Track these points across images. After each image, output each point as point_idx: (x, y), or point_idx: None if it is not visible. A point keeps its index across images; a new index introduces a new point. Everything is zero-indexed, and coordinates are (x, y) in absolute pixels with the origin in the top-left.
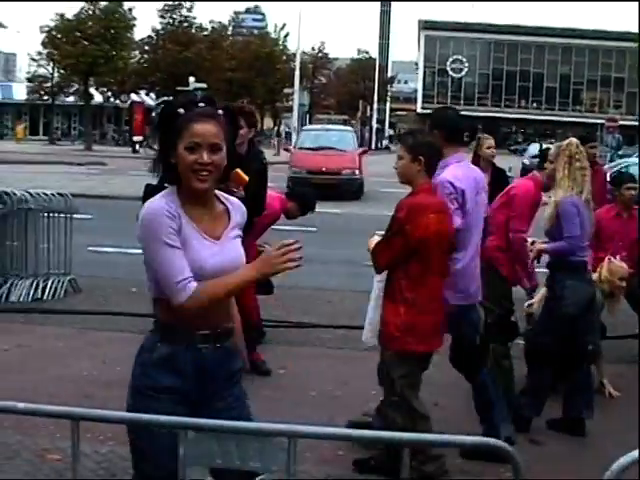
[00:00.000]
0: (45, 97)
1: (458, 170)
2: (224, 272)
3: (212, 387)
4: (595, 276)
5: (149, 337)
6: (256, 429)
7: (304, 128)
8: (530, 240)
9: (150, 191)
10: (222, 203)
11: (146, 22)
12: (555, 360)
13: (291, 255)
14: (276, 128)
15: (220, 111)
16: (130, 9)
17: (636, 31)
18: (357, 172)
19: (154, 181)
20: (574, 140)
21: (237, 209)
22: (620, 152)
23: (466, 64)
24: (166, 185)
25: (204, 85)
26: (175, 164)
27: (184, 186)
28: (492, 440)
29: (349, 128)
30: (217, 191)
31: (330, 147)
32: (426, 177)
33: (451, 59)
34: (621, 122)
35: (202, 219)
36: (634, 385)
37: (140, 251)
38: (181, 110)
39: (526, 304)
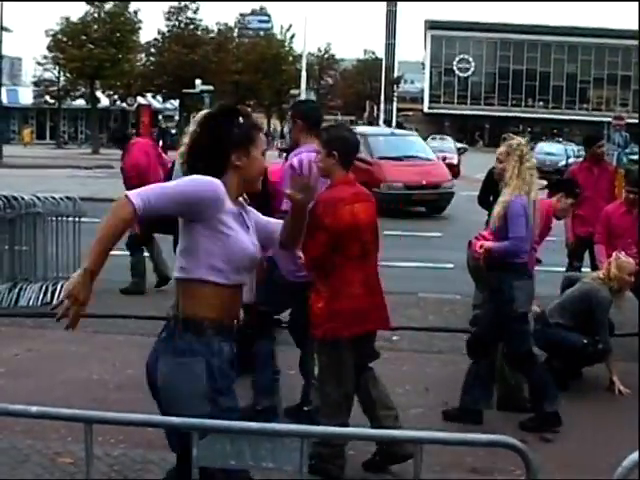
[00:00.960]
0: (51, 101)
1: (304, 156)
2: (245, 260)
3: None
4: (602, 273)
5: (208, 340)
6: (269, 430)
7: (366, 133)
8: (479, 243)
9: None
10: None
11: (152, 25)
12: (493, 352)
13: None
14: (279, 129)
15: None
16: (136, 12)
17: None
18: (452, 184)
19: None
20: (524, 140)
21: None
22: (627, 150)
23: (473, 63)
24: None
25: (211, 87)
26: (237, 165)
27: (232, 184)
28: (506, 438)
29: (414, 132)
30: None
31: (414, 156)
32: (341, 170)
33: (457, 59)
34: (628, 120)
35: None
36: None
37: (147, 254)
38: (241, 119)
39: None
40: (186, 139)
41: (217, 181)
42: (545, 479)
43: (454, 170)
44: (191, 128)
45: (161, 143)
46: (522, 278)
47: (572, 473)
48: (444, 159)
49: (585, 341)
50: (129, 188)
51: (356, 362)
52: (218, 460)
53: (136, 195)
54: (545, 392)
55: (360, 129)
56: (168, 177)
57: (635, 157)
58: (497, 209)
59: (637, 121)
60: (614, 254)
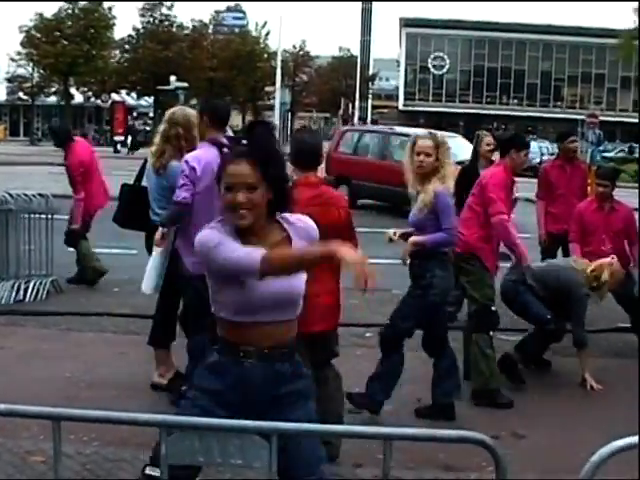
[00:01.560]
0: (25, 97)
1: (200, 151)
2: (275, 301)
3: (257, 404)
4: (591, 271)
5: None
6: (236, 426)
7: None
8: (392, 231)
9: (127, 191)
10: (284, 230)
11: (126, 21)
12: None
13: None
14: None
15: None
16: (110, 8)
17: (616, 27)
18: None
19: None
20: (444, 132)
21: (300, 229)
22: (601, 148)
23: (447, 61)
24: (143, 185)
25: (185, 84)
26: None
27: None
28: (475, 434)
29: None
30: (282, 216)
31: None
32: (297, 172)
33: (432, 56)
34: (601, 118)
35: (257, 244)
36: (617, 378)
37: (119, 251)
38: (225, 150)
39: None
40: (157, 138)
41: (205, 233)
42: (515, 475)
43: None
44: (161, 127)
45: (130, 140)
46: (446, 268)
47: (544, 469)
48: None
49: (549, 316)
50: (75, 186)
51: (312, 359)
52: (186, 457)
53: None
54: (447, 383)
55: (400, 129)
56: (140, 176)
57: (608, 154)
58: (424, 198)
59: (637, 121)
60: (610, 259)
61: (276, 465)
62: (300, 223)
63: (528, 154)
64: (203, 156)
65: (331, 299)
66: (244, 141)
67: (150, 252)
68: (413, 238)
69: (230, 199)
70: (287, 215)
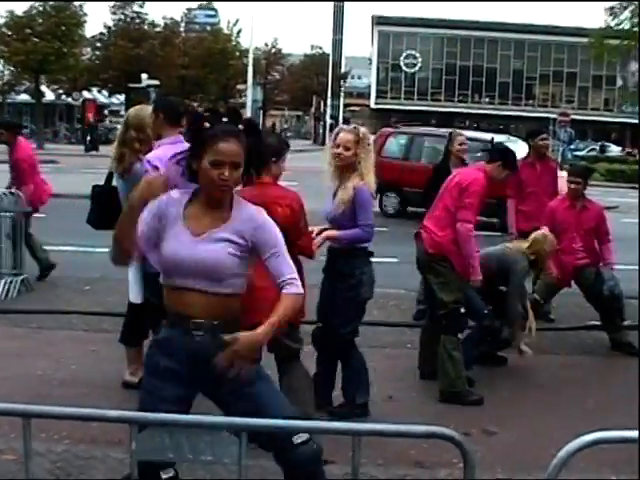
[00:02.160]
0: None
1: (161, 150)
2: (189, 266)
3: (210, 375)
4: (525, 246)
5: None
6: (206, 422)
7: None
8: (317, 229)
9: (98, 192)
10: (231, 209)
11: (98, 19)
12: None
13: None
14: None
15: (241, 126)
16: (81, 5)
17: (588, 27)
18: None
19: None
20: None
21: (244, 218)
22: (572, 146)
23: (419, 59)
24: (113, 185)
25: (157, 82)
26: (195, 170)
27: (202, 189)
28: (443, 429)
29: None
30: (240, 198)
31: None
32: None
33: (404, 54)
34: (573, 116)
35: (198, 217)
36: (586, 375)
37: (90, 249)
38: (206, 124)
39: None
40: (115, 142)
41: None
42: (486, 472)
43: None
44: (134, 133)
45: (88, 139)
46: (369, 264)
47: (514, 465)
48: None
49: (486, 312)
50: (22, 181)
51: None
52: (157, 454)
53: None
54: (359, 382)
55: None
56: (110, 176)
57: (580, 153)
58: (342, 194)
59: (587, 119)
60: (544, 231)
61: (246, 460)
62: (247, 209)
63: (508, 176)
64: (164, 155)
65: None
66: (224, 118)
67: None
68: (328, 232)
69: (218, 174)
70: (240, 199)
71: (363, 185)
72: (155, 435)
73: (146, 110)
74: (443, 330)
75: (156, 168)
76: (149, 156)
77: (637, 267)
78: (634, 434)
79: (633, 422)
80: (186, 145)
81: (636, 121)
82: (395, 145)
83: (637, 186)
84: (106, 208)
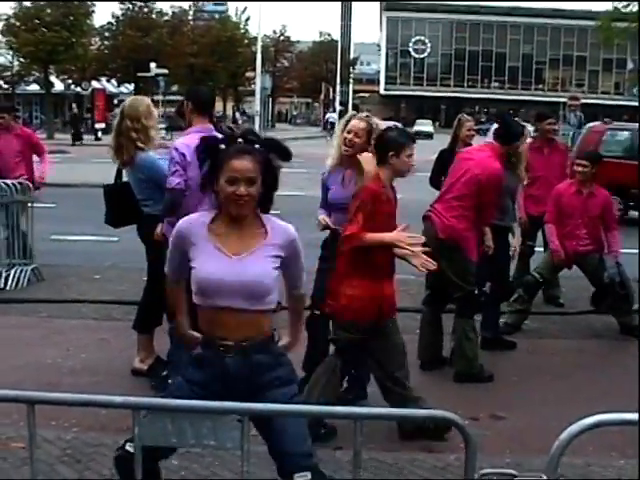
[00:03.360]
0: (5, 86)
1: (189, 137)
2: (229, 285)
3: (240, 394)
4: None
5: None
6: (209, 407)
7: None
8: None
9: (108, 191)
10: (263, 225)
11: (106, 8)
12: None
13: None
14: (231, 114)
15: (257, 145)
16: None
17: (597, 9)
18: None
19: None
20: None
21: (280, 232)
22: (582, 130)
23: (428, 45)
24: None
25: (165, 71)
26: (217, 191)
27: (223, 209)
28: (444, 413)
29: None
30: (265, 216)
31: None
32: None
33: (413, 40)
34: (583, 100)
35: (229, 236)
36: (595, 358)
37: (101, 238)
38: (222, 146)
39: None
40: (134, 134)
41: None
42: (494, 456)
43: None
44: (131, 123)
45: (72, 131)
46: None
47: (522, 449)
48: None
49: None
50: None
51: None
52: (160, 439)
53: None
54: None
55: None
56: (119, 172)
57: None
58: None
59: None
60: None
61: (248, 446)
62: (278, 224)
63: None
64: (192, 142)
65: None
66: (240, 140)
67: (143, 242)
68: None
69: (233, 191)
70: (267, 215)
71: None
72: (158, 420)
73: (141, 100)
74: (459, 313)
75: (183, 155)
76: (176, 143)
77: (637, 252)
78: (634, 416)
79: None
80: (215, 134)
81: None
82: (614, 142)
83: None
84: (120, 205)
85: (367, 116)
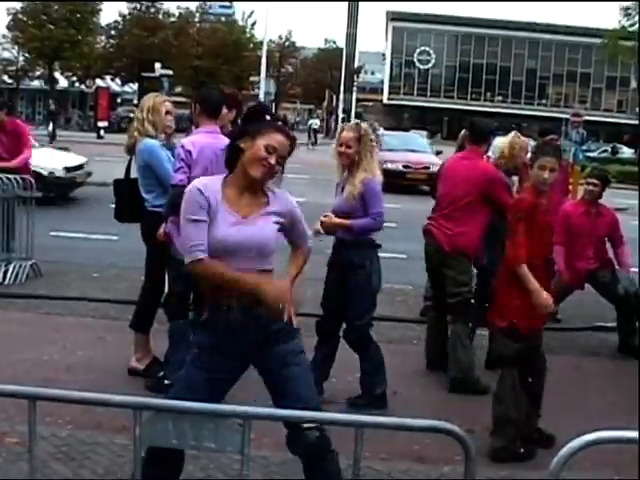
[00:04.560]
0: (9, 81)
1: (196, 136)
2: (242, 245)
3: (250, 347)
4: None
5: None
6: (210, 410)
7: None
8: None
9: (116, 186)
10: (265, 195)
11: (113, 7)
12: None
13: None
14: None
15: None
16: None
17: (602, 27)
18: None
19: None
20: (367, 124)
21: (278, 199)
22: (584, 147)
23: (433, 56)
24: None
25: (170, 72)
26: (241, 148)
27: (238, 172)
28: (444, 423)
29: None
30: (268, 186)
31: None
32: None
33: (418, 50)
34: (585, 117)
35: (239, 201)
36: (592, 375)
37: (100, 236)
38: (267, 117)
39: None
40: (136, 124)
41: (193, 183)
42: (487, 470)
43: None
44: (138, 114)
45: (50, 127)
46: (377, 256)
47: (516, 463)
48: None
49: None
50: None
51: None
52: (160, 440)
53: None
54: (377, 373)
55: None
56: (128, 168)
57: (592, 154)
58: (351, 189)
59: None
60: (512, 135)
61: (249, 449)
62: (278, 192)
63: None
64: (199, 141)
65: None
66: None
67: (145, 241)
68: (340, 220)
69: (266, 157)
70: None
71: (372, 178)
72: (159, 421)
73: (151, 96)
74: (455, 319)
75: (189, 152)
76: (184, 140)
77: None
78: (635, 434)
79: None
80: (221, 137)
81: None
82: None
83: None
84: (126, 200)
85: (357, 123)
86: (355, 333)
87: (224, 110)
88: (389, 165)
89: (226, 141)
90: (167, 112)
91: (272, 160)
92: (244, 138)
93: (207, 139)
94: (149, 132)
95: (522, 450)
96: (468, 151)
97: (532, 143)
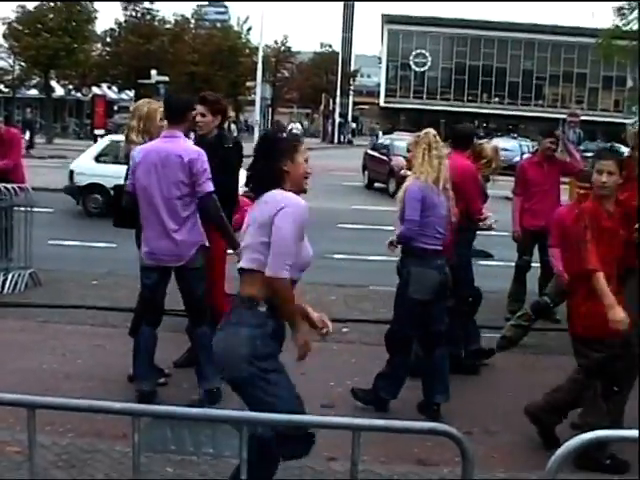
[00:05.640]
0: (6, 90)
1: (152, 142)
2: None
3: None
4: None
5: (254, 315)
6: (208, 415)
7: None
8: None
9: (116, 192)
10: None
11: (108, 15)
12: (409, 346)
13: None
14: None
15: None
16: (92, 1)
17: (598, 27)
18: None
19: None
20: (432, 130)
21: (262, 205)
22: (581, 147)
23: (429, 58)
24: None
25: (166, 78)
26: (286, 171)
27: (293, 187)
28: (442, 426)
29: None
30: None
31: None
32: None
33: (414, 53)
34: (582, 117)
35: None
36: None
37: (99, 244)
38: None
39: None
40: (132, 134)
41: (302, 202)
42: (486, 471)
43: None
44: (131, 122)
45: (27, 135)
46: (422, 264)
47: (515, 464)
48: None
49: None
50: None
51: None
52: (159, 446)
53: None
54: (391, 380)
55: None
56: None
57: (589, 154)
58: (399, 194)
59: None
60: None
61: (246, 454)
62: (268, 199)
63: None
64: (147, 147)
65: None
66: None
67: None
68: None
69: (305, 168)
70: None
71: (413, 184)
72: (158, 428)
73: (145, 103)
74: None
75: (133, 159)
76: (137, 147)
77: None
78: (633, 433)
79: (635, 422)
80: (178, 142)
81: None
82: None
83: None
84: (124, 207)
85: (418, 135)
86: (389, 333)
87: (208, 117)
88: None
89: (182, 146)
90: (162, 118)
91: (308, 170)
92: (283, 161)
93: (159, 144)
94: (139, 141)
95: (608, 462)
96: (454, 155)
97: (529, 143)
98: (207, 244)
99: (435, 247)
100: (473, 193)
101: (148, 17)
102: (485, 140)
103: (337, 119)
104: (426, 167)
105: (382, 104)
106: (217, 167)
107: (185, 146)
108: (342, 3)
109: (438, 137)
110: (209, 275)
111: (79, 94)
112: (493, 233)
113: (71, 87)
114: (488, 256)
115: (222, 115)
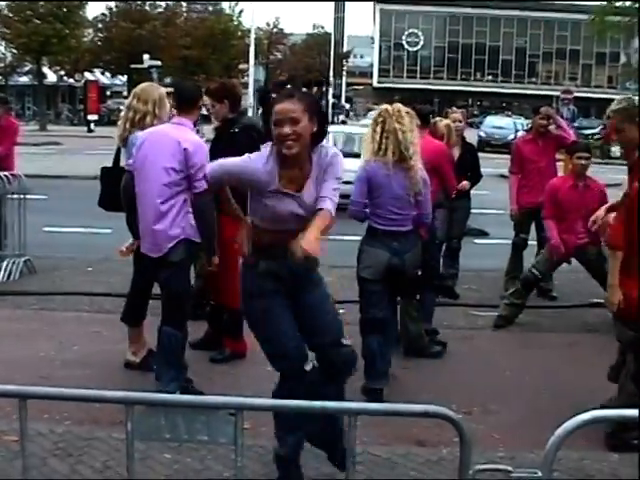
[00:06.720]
0: None
1: (154, 127)
2: (286, 218)
3: (300, 285)
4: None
5: (248, 259)
6: (202, 402)
7: None
8: None
9: (105, 173)
10: (311, 161)
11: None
12: (381, 327)
13: None
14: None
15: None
16: None
17: (590, 3)
18: None
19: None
20: (385, 106)
21: (318, 155)
22: (575, 124)
23: (422, 38)
24: (123, 166)
25: (159, 63)
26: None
27: (278, 152)
28: (438, 408)
29: None
30: (315, 150)
31: None
32: None
33: (407, 33)
34: (576, 94)
35: (288, 176)
36: (589, 353)
37: (95, 230)
38: (273, 95)
39: None
40: (130, 113)
41: (252, 156)
42: (486, 450)
43: None
44: (138, 105)
45: None
46: (372, 244)
47: (514, 443)
48: None
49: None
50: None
51: None
52: (153, 434)
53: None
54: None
55: None
56: (117, 157)
57: (586, 132)
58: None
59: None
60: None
61: (242, 439)
62: (327, 158)
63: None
64: (148, 132)
65: None
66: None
67: (132, 232)
68: None
69: (278, 132)
70: (322, 149)
71: (361, 165)
72: (151, 416)
73: (156, 89)
74: (406, 297)
75: (132, 143)
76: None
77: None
78: (632, 412)
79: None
80: (184, 129)
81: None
82: None
83: None
84: (115, 189)
85: (446, 112)
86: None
87: (216, 106)
88: None
89: (185, 134)
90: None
91: (285, 130)
92: (268, 129)
93: (165, 127)
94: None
95: (636, 442)
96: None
97: (523, 121)
98: (198, 240)
99: (387, 228)
100: (447, 172)
101: (139, 2)
102: (438, 118)
103: (330, 100)
104: (368, 146)
105: (375, 84)
106: (226, 153)
107: (188, 136)
108: None
109: (395, 111)
110: (222, 274)
111: (71, 80)
112: (489, 211)
113: (63, 73)
114: (484, 234)
115: (230, 98)
